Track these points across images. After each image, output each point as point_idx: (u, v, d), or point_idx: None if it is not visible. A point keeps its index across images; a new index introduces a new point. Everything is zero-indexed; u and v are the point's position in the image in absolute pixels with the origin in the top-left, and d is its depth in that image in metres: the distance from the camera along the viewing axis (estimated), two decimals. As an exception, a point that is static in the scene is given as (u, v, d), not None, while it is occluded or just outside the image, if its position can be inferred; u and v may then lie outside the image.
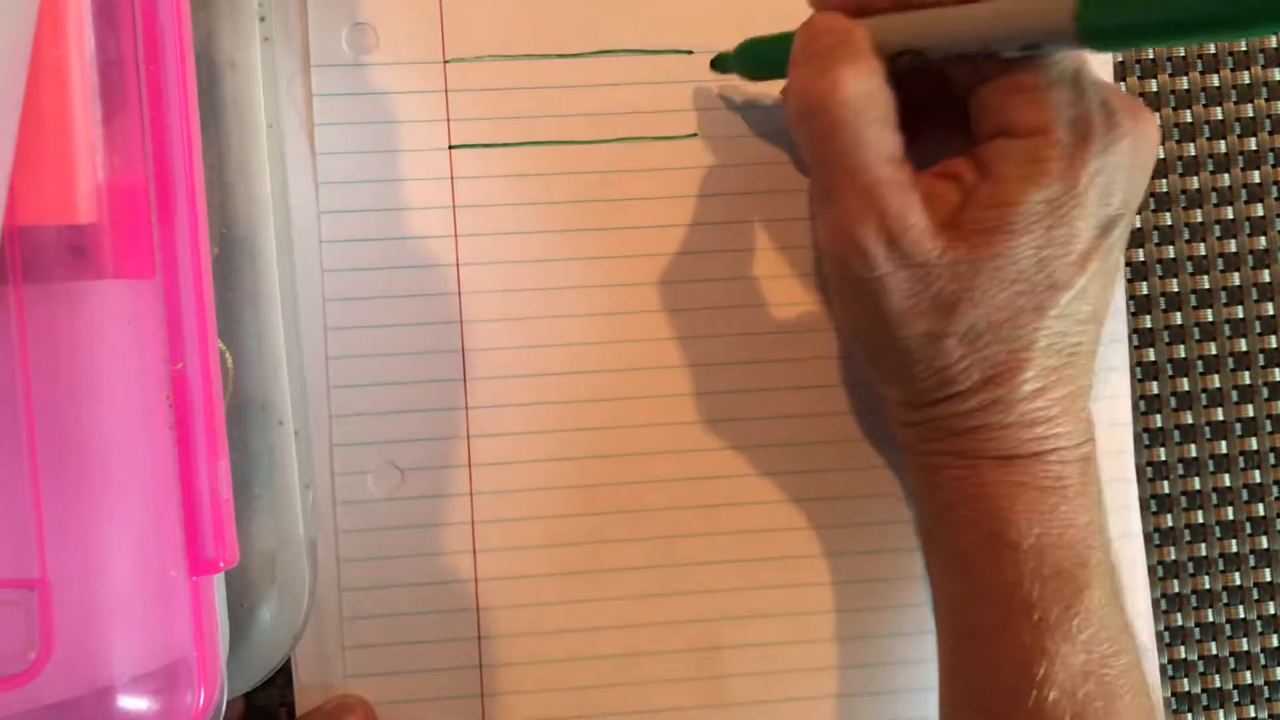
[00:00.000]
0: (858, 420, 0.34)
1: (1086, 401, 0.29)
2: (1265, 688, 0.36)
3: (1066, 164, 0.27)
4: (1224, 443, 0.36)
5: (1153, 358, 0.36)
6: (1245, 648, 0.36)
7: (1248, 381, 0.36)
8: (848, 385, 0.34)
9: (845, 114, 0.27)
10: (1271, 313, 0.36)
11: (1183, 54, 0.36)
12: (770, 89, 0.34)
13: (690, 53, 0.34)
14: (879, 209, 0.27)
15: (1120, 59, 0.36)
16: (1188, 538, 0.36)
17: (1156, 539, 0.36)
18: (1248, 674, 0.36)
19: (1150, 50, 0.36)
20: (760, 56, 0.32)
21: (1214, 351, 0.36)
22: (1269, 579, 0.36)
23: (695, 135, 0.34)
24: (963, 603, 0.29)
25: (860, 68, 0.27)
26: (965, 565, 0.29)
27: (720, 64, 0.34)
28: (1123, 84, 0.36)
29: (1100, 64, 0.35)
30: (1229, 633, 0.36)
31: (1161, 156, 0.36)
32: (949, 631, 0.30)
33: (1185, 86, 0.36)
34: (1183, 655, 0.36)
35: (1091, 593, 0.28)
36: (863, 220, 0.27)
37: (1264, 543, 0.36)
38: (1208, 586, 0.36)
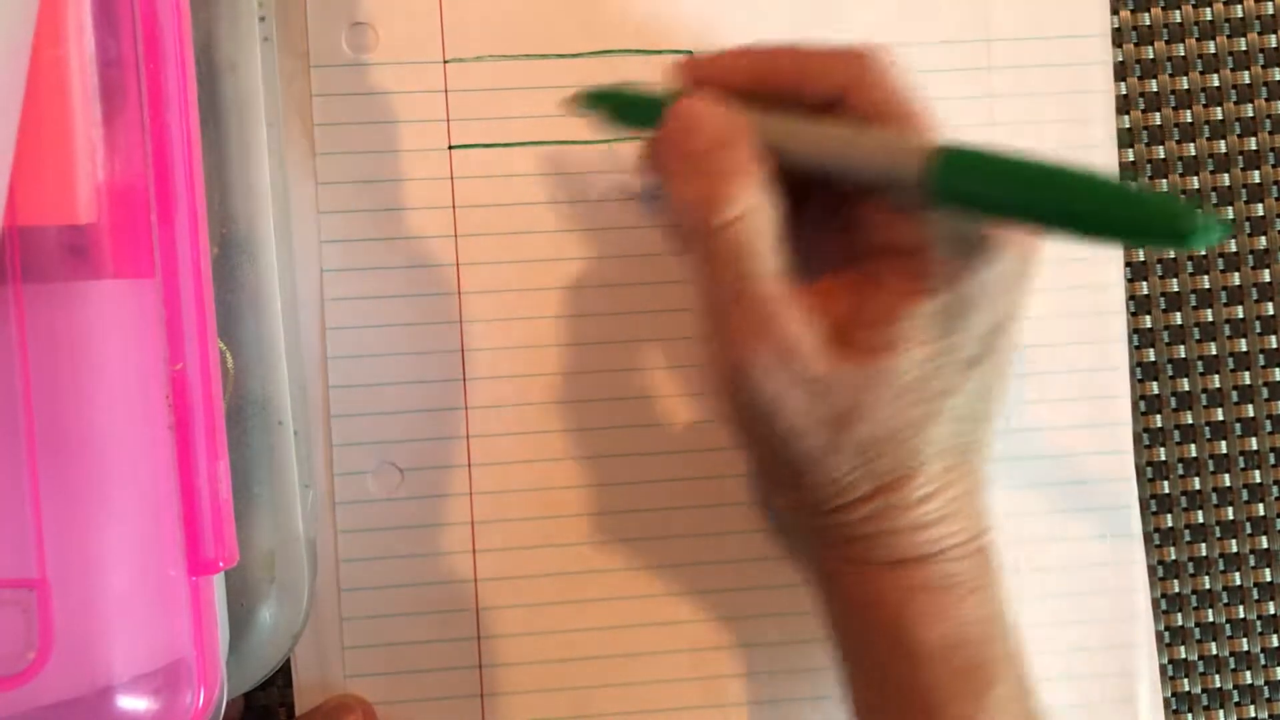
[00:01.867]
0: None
1: (981, 496, 0.29)
2: (1265, 688, 0.36)
3: (946, 279, 0.26)
4: (1224, 443, 0.36)
5: (1153, 358, 0.36)
6: (1245, 648, 0.36)
7: (1248, 381, 0.36)
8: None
9: (730, 238, 0.26)
10: (1271, 313, 0.36)
11: (1183, 54, 0.36)
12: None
13: (690, 53, 0.34)
14: (768, 329, 0.26)
15: (1120, 59, 0.36)
16: (1188, 538, 0.36)
17: (1156, 539, 0.36)
18: (1248, 674, 0.36)
19: (1150, 50, 0.36)
20: (626, 113, 0.30)
21: (1214, 351, 0.36)
22: (1269, 579, 0.36)
23: (695, 135, 0.34)
24: (873, 707, 0.29)
25: (746, 183, 0.26)
26: (871, 673, 0.29)
27: (586, 104, 0.31)
28: (1122, 84, 0.36)
29: (1100, 63, 0.35)
30: (1229, 633, 0.36)
31: (1162, 157, 0.36)
32: None
33: (1185, 86, 0.36)
34: (1183, 655, 0.36)
35: (997, 688, 0.27)
36: (752, 342, 0.26)
37: (1264, 543, 0.36)
38: (1208, 586, 0.36)
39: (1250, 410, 0.36)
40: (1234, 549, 0.36)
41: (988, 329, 0.27)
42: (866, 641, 0.29)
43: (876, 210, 0.27)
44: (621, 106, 0.30)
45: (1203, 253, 0.36)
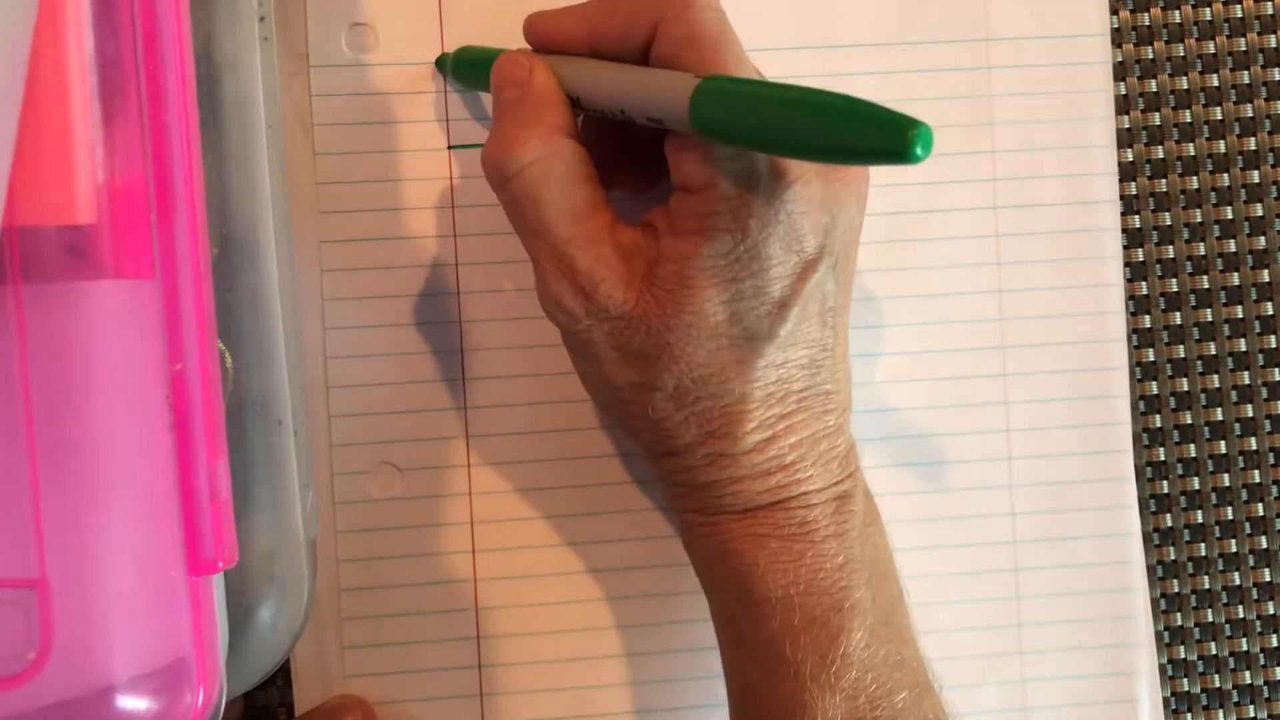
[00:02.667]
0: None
1: (838, 440, 0.29)
2: (1265, 688, 0.36)
3: (731, 216, 0.26)
4: (1223, 443, 0.36)
5: (1152, 358, 0.36)
6: (1244, 648, 0.36)
7: (1247, 381, 0.36)
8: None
9: (523, 184, 0.27)
10: (1270, 313, 0.36)
11: (1182, 54, 0.36)
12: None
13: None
14: (570, 267, 0.27)
15: (1120, 59, 0.36)
16: (1187, 537, 0.36)
17: (1156, 539, 0.36)
18: (1247, 674, 0.36)
19: (1150, 50, 0.36)
20: (469, 69, 0.32)
21: (1213, 351, 0.36)
22: (1268, 579, 0.36)
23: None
24: (733, 663, 0.29)
25: (537, 131, 0.28)
26: (727, 624, 0.29)
27: (440, 64, 0.34)
28: (1122, 84, 0.36)
29: (1100, 63, 0.35)
30: (1228, 633, 0.36)
31: (1161, 157, 0.36)
32: (730, 689, 0.30)
33: (1185, 86, 0.36)
34: (1182, 655, 0.36)
35: (848, 637, 0.27)
36: (558, 278, 0.27)
37: (1263, 543, 0.36)
38: (1207, 586, 0.36)
39: (1249, 410, 0.36)
40: (1233, 549, 0.36)
41: (794, 269, 0.27)
42: (722, 593, 0.29)
43: (673, 149, 0.27)
44: (467, 64, 0.33)
45: (1202, 253, 0.36)
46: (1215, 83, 0.36)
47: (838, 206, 0.27)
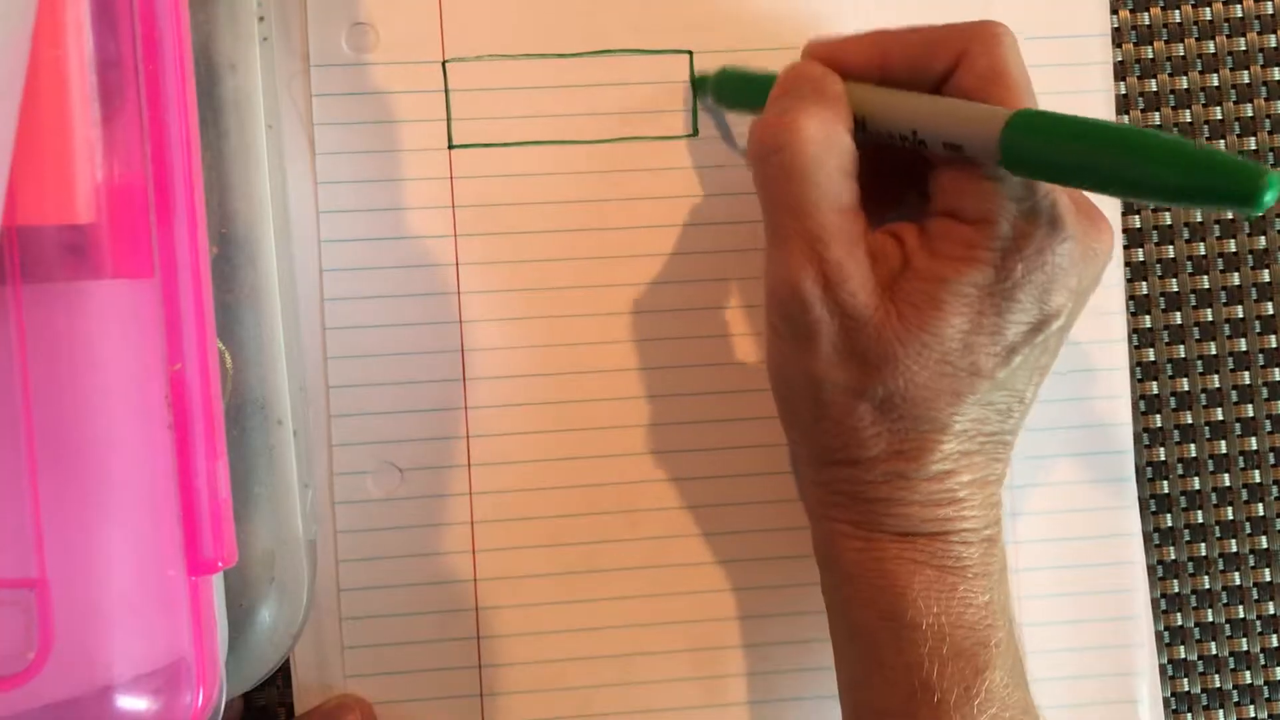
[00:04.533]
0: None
1: (998, 489, 0.29)
2: (1265, 688, 0.36)
3: (1002, 256, 0.26)
4: (1223, 442, 0.36)
5: (1152, 357, 0.36)
6: (1245, 647, 0.36)
7: (1247, 381, 0.36)
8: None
9: (800, 155, 0.27)
10: (1271, 312, 0.36)
11: (1182, 54, 0.36)
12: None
13: (690, 53, 0.34)
14: (820, 254, 0.27)
15: (1120, 59, 0.36)
16: (1187, 537, 0.36)
17: (1156, 539, 0.36)
18: (1247, 674, 0.36)
19: (1150, 50, 0.36)
20: (737, 89, 0.33)
21: (1213, 351, 0.36)
22: (1268, 579, 0.36)
23: (695, 135, 0.34)
24: (863, 682, 0.29)
25: (824, 113, 0.27)
26: (865, 644, 0.29)
27: (699, 86, 0.34)
28: (1122, 84, 0.36)
29: (1100, 63, 0.35)
30: (1228, 632, 0.36)
31: (1161, 156, 0.36)
32: (851, 708, 0.30)
33: (1185, 86, 0.36)
34: (1182, 655, 0.36)
35: (993, 673, 0.27)
36: (803, 263, 0.27)
37: (1263, 542, 0.36)
38: (1207, 586, 0.36)
39: (1250, 410, 0.36)
40: (1233, 549, 0.36)
41: (1033, 319, 0.27)
42: (863, 611, 0.29)
43: (950, 177, 0.27)
44: (734, 85, 0.33)
45: (1202, 252, 0.36)
46: (1215, 83, 0.36)
47: (1087, 272, 0.27)
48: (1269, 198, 0.21)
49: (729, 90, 0.33)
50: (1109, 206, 0.35)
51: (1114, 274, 0.35)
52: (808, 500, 0.31)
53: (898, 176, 0.29)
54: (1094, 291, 0.29)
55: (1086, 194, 0.28)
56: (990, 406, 0.28)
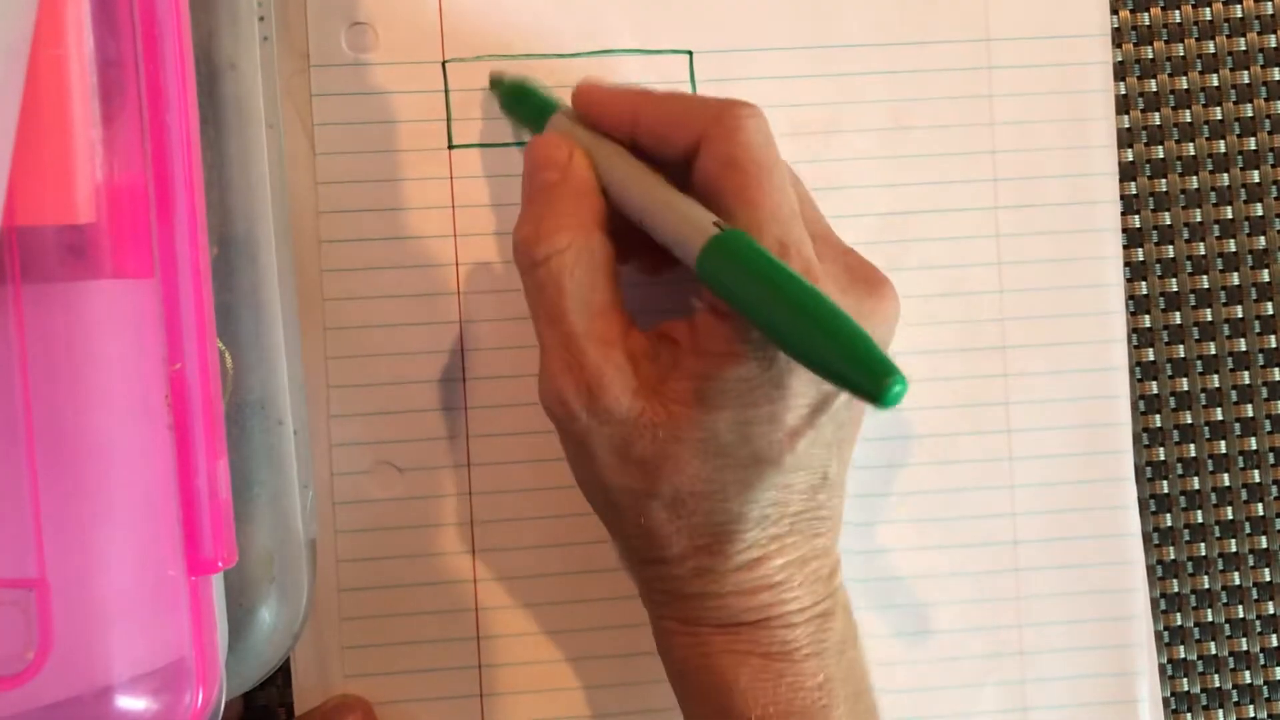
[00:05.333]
0: (857, 420, 0.34)
1: (826, 562, 0.29)
2: (1265, 687, 0.36)
3: (759, 346, 0.26)
4: (1223, 442, 0.36)
5: (1152, 357, 0.36)
6: (1244, 647, 0.36)
7: (1247, 381, 0.36)
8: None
9: (549, 271, 0.27)
10: (1270, 312, 0.36)
11: (1182, 54, 0.36)
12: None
13: (690, 53, 0.34)
14: (579, 362, 0.27)
15: (1120, 59, 0.36)
16: (1187, 537, 0.36)
17: (1156, 538, 0.36)
18: (1247, 674, 0.36)
19: (1150, 50, 0.36)
20: (519, 106, 0.32)
21: (1213, 351, 0.36)
22: (1268, 579, 0.36)
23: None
24: None
25: (572, 221, 0.27)
26: None
27: (494, 84, 0.33)
28: (1121, 84, 0.36)
29: (1100, 63, 0.35)
30: (1228, 632, 0.36)
31: (1161, 156, 0.36)
32: None
33: (1185, 86, 0.36)
34: (1182, 655, 0.36)
35: None
36: (563, 371, 0.27)
37: (1263, 542, 0.36)
38: (1207, 586, 0.36)
39: (1249, 410, 0.36)
40: (1233, 548, 0.36)
41: (811, 401, 0.27)
42: (698, 704, 0.29)
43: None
44: (516, 98, 0.32)
45: (1202, 252, 0.36)
46: (1215, 82, 0.36)
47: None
48: (888, 402, 0.22)
49: (514, 103, 0.33)
50: (1109, 206, 0.35)
51: (1114, 274, 0.35)
52: (643, 602, 0.30)
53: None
54: (889, 345, 0.28)
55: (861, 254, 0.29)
56: (789, 489, 0.27)
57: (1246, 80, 0.36)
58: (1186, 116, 0.36)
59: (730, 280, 0.25)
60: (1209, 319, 0.36)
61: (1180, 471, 0.36)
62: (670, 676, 0.30)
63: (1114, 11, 0.36)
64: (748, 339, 0.26)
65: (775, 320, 0.24)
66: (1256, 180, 0.36)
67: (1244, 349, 0.36)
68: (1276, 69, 0.36)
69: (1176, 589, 0.36)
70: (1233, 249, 0.36)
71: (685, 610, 0.28)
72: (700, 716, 0.29)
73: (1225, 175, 0.36)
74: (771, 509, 0.27)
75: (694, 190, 0.27)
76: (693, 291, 0.28)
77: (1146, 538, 0.36)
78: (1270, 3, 0.36)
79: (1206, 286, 0.36)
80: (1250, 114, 0.36)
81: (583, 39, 0.34)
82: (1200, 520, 0.36)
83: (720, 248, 0.25)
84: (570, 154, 0.28)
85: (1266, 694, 0.36)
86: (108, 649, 0.22)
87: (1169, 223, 0.36)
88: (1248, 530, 0.36)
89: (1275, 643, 0.36)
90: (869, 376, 0.23)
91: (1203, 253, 0.36)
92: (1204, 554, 0.36)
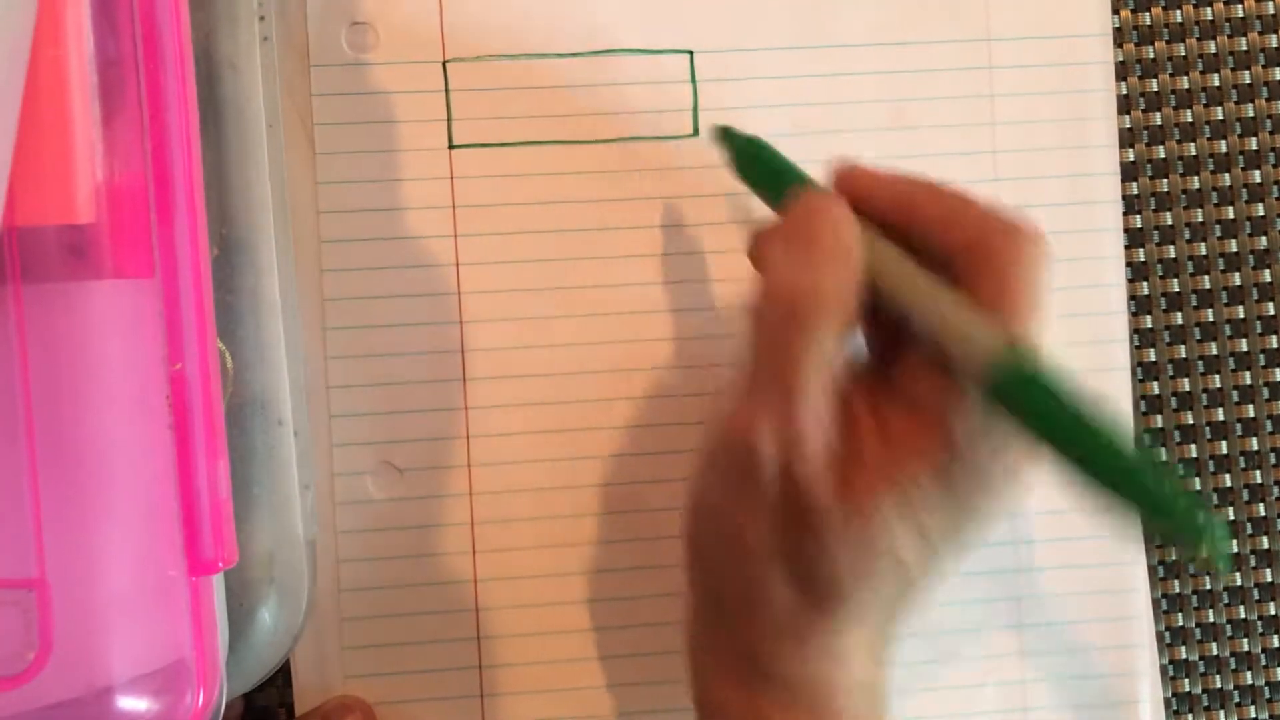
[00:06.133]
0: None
1: (886, 683, 0.28)
2: (1266, 688, 0.36)
3: (961, 463, 0.26)
4: (1224, 443, 0.36)
5: (1153, 358, 0.36)
6: (1246, 648, 0.36)
7: (1248, 382, 0.36)
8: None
9: (807, 319, 0.26)
10: (1272, 313, 0.36)
11: (1183, 54, 0.36)
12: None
13: (690, 53, 0.34)
14: (789, 416, 0.26)
15: (1121, 59, 0.36)
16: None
17: (1156, 539, 0.36)
18: (1248, 674, 0.36)
19: (1151, 50, 0.36)
20: (757, 168, 0.31)
21: (1215, 352, 0.36)
22: (1269, 579, 0.36)
23: (695, 135, 0.34)
24: None
25: (837, 279, 0.26)
26: None
27: (724, 137, 0.32)
28: (1123, 84, 0.36)
29: (1100, 63, 0.35)
30: (1229, 633, 0.36)
31: (1162, 156, 0.36)
32: None
33: (1185, 86, 0.36)
34: (1183, 655, 0.36)
35: None
36: (768, 418, 0.26)
37: (1264, 543, 0.36)
38: (1208, 586, 0.36)
39: (1251, 411, 0.36)
40: (1234, 549, 0.36)
41: (951, 531, 0.26)
42: None
43: (930, 366, 0.26)
44: (755, 160, 0.31)
45: (1203, 253, 0.36)
46: (1216, 82, 0.36)
47: (1006, 507, 0.27)
48: (1214, 551, 0.22)
49: (748, 164, 0.31)
50: (1110, 206, 0.35)
51: (1115, 274, 0.35)
52: (692, 652, 0.30)
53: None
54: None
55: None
56: (888, 604, 0.27)
57: (1248, 80, 0.36)
58: (1188, 116, 0.36)
59: (1027, 406, 0.24)
60: (1210, 319, 0.36)
61: (1182, 473, 0.36)
62: None
63: (1115, 11, 0.36)
64: (953, 452, 0.25)
65: (1082, 460, 0.24)
66: (1258, 180, 0.36)
67: (1245, 349, 0.36)
68: (1278, 69, 0.36)
69: (1178, 589, 0.36)
70: (1234, 249, 0.36)
71: (750, 669, 0.28)
72: None
73: (1227, 175, 0.36)
74: (871, 594, 0.27)
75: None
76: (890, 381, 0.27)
77: (1147, 538, 0.35)
78: (1271, 2, 0.36)
79: (1208, 287, 0.36)
80: (1251, 114, 0.36)
81: (583, 39, 0.34)
82: (1201, 521, 0.36)
83: (1019, 371, 0.25)
84: (844, 221, 0.27)
85: (1268, 695, 0.36)
86: (108, 649, 0.22)
87: (1170, 223, 0.36)
88: (1249, 531, 0.36)
89: (1277, 643, 0.36)
90: (1183, 527, 0.23)
91: (1204, 253, 0.36)
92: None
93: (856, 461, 0.26)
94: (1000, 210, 0.27)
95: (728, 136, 0.31)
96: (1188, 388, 0.36)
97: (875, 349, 0.29)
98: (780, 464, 0.26)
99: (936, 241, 0.27)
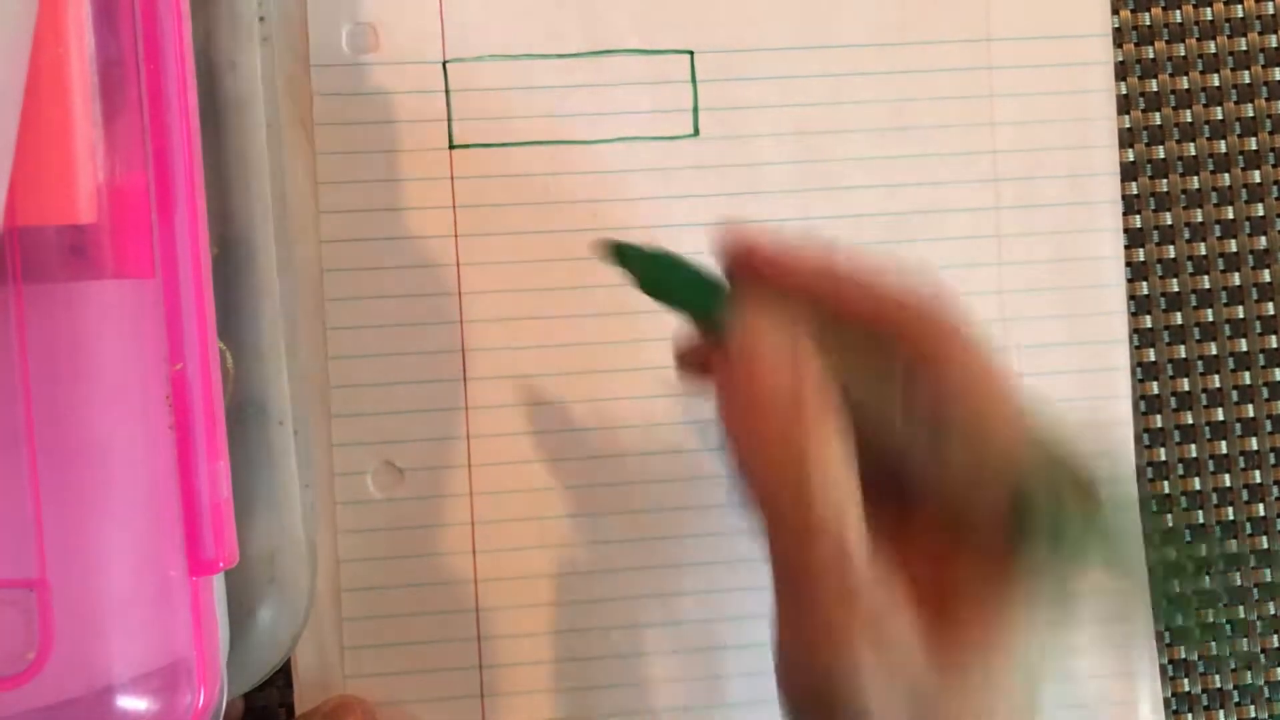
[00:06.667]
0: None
1: None
2: (1265, 688, 0.36)
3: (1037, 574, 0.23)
4: (1224, 443, 0.36)
5: (1153, 358, 0.36)
6: (1245, 648, 0.36)
7: (1248, 382, 0.36)
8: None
9: (828, 538, 0.21)
10: (1272, 313, 0.36)
11: (1183, 54, 0.36)
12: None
13: (690, 53, 0.34)
14: (865, 611, 0.21)
15: (1120, 59, 0.36)
16: (1188, 538, 0.36)
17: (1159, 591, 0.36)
18: (1248, 674, 0.36)
19: (1151, 50, 0.36)
20: (661, 283, 0.25)
21: (1214, 352, 0.36)
22: (1269, 579, 0.36)
23: (695, 135, 0.34)
24: None
25: (832, 469, 0.22)
26: None
27: (617, 256, 0.26)
28: (1122, 84, 0.36)
29: (1100, 63, 0.35)
30: (1229, 633, 0.36)
31: (1162, 156, 0.36)
32: None
33: (1185, 86, 0.36)
34: (1182, 655, 0.36)
35: None
36: (845, 629, 0.21)
37: (1264, 543, 0.36)
38: (1207, 586, 0.36)
39: (1250, 410, 0.36)
40: (1234, 549, 0.36)
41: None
42: None
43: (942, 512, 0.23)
44: (657, 274, 0.25)
45: (1203, 253, 0.36)
46: (1216, 82, 0.36)
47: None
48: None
49: (656, 282, 0.25)
50: (1110, 206, 0.35)
51: (1115, 274, 0.35)
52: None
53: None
54: None
55: None
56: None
57: (1247, 80, 0.36)
58: (1187, 116, 0.36)
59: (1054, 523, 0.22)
60: (1210, 319, 0.36)
61: (1181, 472, 0.36)
62: None
63: (1115, 11, 0.36)
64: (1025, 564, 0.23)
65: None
66: (1257, 180, 0.36)
67: (1245, 349, 0.36)
68: (1277, 69, 0.36)
69: (1177, 589, 0.36)
70: (1234, 249, 0.36)
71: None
72: None
73: (1226, 175, 0.36)
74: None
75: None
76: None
77: (1146, 538, 0.35)
78: (1271, 3, 0.36)
79: (1208, 287, 0.36)
80: (1251, 114, 0.36)
81: (583, 39, 0.34)
82: (1201, 520, 0.36)
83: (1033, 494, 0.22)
84: (800, 362, 0.22)
85: (1267, 694, 0.36)
86: (108, 649, 0.22)
87: (1170, 223, 0.36)
88: (1249, 531, 0.36)
89: (1276, 643, 0.36)
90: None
91: (1204, 253, 0.36)
92: (1205, 555, 0.36)
93: (946, 626, 0.23)
94: (908, 295, 0.23)
95: (622, 254, 0.26)
96: (1187, 387, 0.36)
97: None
98: (881, 662, 0.22)
99: (865, 323, 0.23)
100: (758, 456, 0.22)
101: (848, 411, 0.23)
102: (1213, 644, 0.21)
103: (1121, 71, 0.36)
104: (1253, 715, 0.36)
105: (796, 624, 0.23)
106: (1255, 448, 0.36)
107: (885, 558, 0.22)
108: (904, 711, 0.22)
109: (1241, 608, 0.36)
